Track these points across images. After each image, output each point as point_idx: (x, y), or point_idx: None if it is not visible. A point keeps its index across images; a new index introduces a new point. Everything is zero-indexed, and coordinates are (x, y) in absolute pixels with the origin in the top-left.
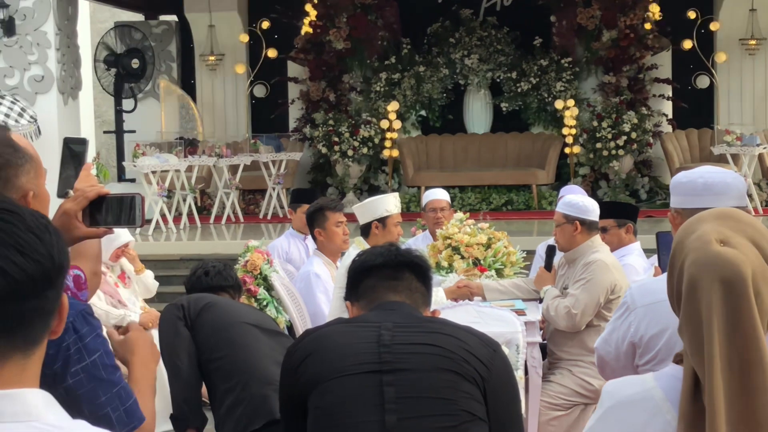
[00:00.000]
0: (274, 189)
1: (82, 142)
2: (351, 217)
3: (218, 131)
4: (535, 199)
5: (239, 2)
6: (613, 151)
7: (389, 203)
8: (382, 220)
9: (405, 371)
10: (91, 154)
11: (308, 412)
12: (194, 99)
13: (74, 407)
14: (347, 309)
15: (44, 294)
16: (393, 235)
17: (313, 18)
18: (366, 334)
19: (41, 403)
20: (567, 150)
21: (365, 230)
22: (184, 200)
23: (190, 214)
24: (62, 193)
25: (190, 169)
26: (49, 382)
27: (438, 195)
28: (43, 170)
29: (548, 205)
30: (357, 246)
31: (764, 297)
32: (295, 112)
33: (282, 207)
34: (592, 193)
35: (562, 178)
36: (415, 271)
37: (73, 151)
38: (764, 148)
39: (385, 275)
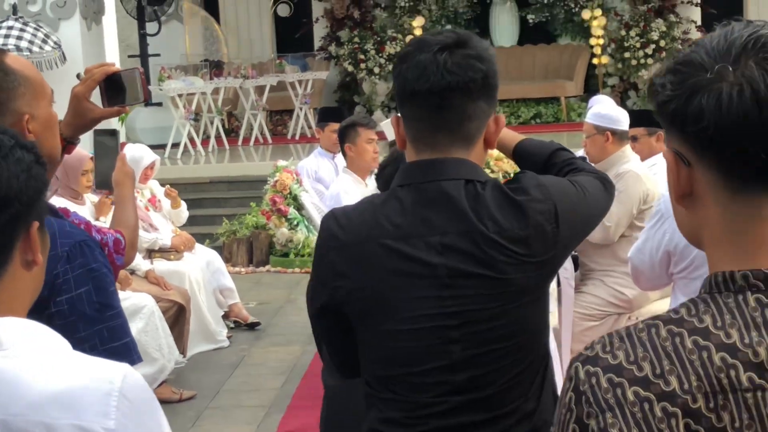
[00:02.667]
0: (301, 109)
1: (113, 134)
2: (380, 136)
3: (243, 52)
4: (564, 111)
5: None
6: (642, 60)
7: None
8: None
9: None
10: None
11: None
12: (218, 20)
13: None
14: (393, 126)
15: None
16: None
17: None
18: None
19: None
20: (595, 60)
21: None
22: (212, 123)
23: (218, 137)
24: (100, 185)
25: (216, 91)
26: (36, 308)
27: None
28: (47, 91)
29: (577, 116)
30: None
31: None
32: (319, 30)
33: (310, 127)
34: (622, 103)
35: (590, 89)
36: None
37: (105, 145)
38: None
39: (432, 104)
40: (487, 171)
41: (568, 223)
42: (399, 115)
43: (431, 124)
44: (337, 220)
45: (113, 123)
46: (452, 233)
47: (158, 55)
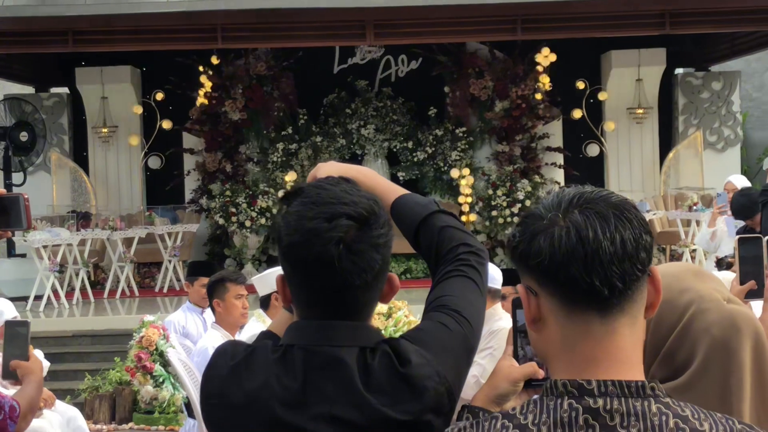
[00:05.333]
0: (170, 261)
1: (25, 324)
2: (251, 290)
3: (112, 204)
4: None
5: (132, 74)
6: (509, 219)
7: None
8: None
9: None
10: None
11: None
12: (87, 171)
13: None
14: (277, 285)
15: None
16: None
17: (209, 89)
18: None
19: None
20: (463, 218)
21: (265, 302)
22: (77, 275)
23: (83, 289)
24: (7, 375)
25: (82, 242)
26: None
27: None
28: None
29: None
30: (257, 319)
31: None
32: (191, 183)
33: (179, 280)
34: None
35: None
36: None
37: (16, 334)
38: (654, 214)
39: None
40: None
41: (454, 368)
42: (282, 274)
43: (322, 297)
44: (232, 368)
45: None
46: (342, 404)
47: None
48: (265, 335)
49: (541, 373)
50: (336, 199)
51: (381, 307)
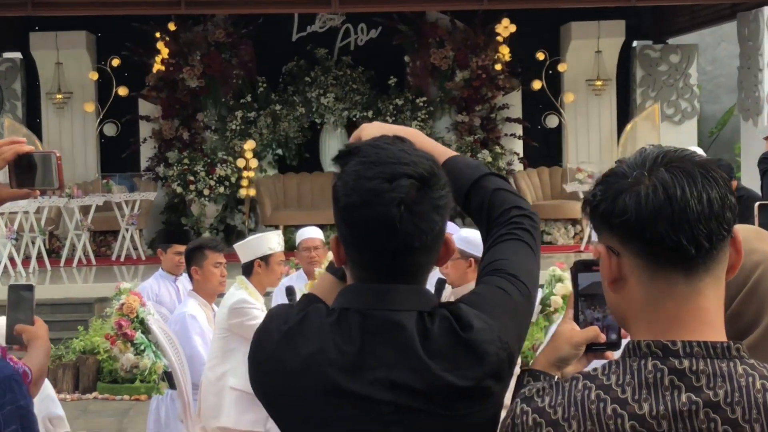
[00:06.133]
0: (127, 230)
1: (29, 288)
2: (232, 258)
3: (67, 171)
4: None
5: (87, 39)
6: None
7: (272, 241)
8: (265, 258)
9: None
10: None
11: None
12: (40, 138)
13: None
14: (332, 247)
15: None
16: (276, 273)
17: (165, 56)
18: None
19: None
20: None
21: (247, 268)
22: (33, 243)
23: (39, 257)
24: (11, 340)
25: (39, 210)
26: None
27: (311, 234)
28: None
29: None
30: (239, 285)
31: None
32: (147, 151)
33: (135, 248)
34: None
35: None
36: None
37: (20, 298)
38: None
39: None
40: None
41: (515, 333)
42: (337, 236)
43: (380, 259)
44: (285, 333)
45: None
46: (401, 369)
47: None
48: (309, 298)
49: (602, 337)
50: (395, 158)
51: None
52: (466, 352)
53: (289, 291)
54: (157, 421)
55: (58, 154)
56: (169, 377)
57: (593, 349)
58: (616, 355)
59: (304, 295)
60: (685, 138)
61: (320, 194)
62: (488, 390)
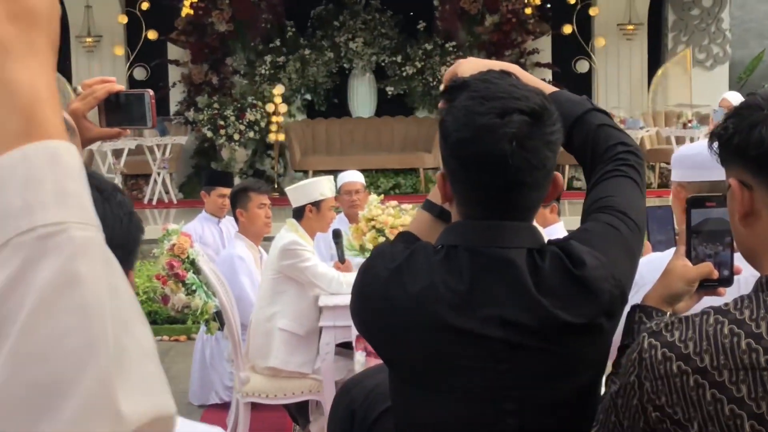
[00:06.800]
0: (159, 174)
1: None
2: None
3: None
4: (423, 183)
5: None
6: None
7: (324, 187)
8: (317, 204)
9: None
10: None
11: None
12: (70, 82)
13: None
14: (437, 183)
15: None
16: (327, 218)
17: (194, 0)
18: None
19: None
20: None
21: (299, 213)
22: None
23: None
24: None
25: None
26: None
27: (353, 177)
28: None
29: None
30: (289, 228)
31: None
32: (176, 95)
33: (167, 192)
34: None
35: None
36: None
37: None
38: (647, 131)
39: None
40: (382, 239)
41: (627, 270)
42: (443, 171)
43: (490, 195)
44: (393, 271)
45: None
46: (512, 306)
47: None
48: (406, 236)
49: (715, 274)
50: (506, 93)
51: (405, 219)
52: (580, 290)
53: (336, 234)
54: (203, 361)
55: (151, 93)
56: (218, 317)
57: (705, 286)
58: (728, 292)
59: (399, 234)
60: (716, 83)
61: (349, 140)
62: (601, 327)
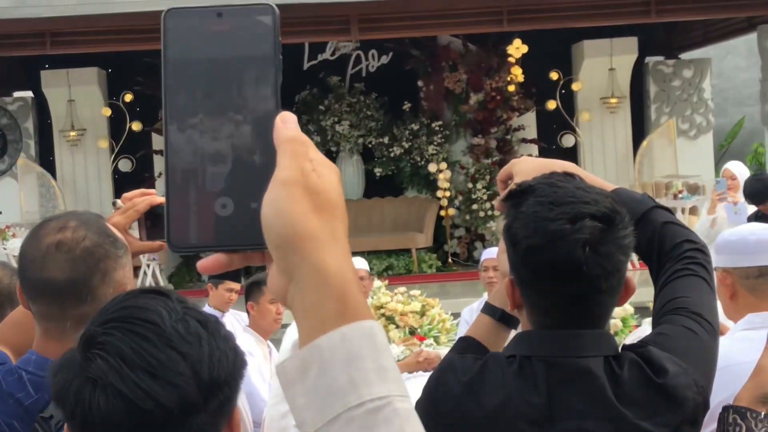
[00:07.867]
0: (148, 266)
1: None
2: None
3: (81, 208)
4: (415, 263)
5: (99, 76)
6: (489, 212)
7: None
8: None
9: None
10: None
11: None
12: (54, 177)
13: None
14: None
15: (189, 423)
16: None
17: None
18: None
19: None
20: (442, 213)
21: None
22: None
23: None
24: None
25: None
26: None
27: (357, 265)
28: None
29: (428, 268)
30: None
31: None
32: (163, 185)
33: (157, 284)
34: (469, 254)
35: (439, 240)
36: None
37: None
38: None
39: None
40: (392, 327)
41: (707, 376)
42: (512, 278)
43: (564, 303)
44: (466, 385)
45: None
46: (594, 419)
47: None
48: (466, 342)
49: None
50: (575, 197)
51: (414, 306)
52: (663, 399)
53: None
54: None
55: None
56: None
57: None
58: None
59: (462, 339)
60: (701, 153)
61: None
62: None
